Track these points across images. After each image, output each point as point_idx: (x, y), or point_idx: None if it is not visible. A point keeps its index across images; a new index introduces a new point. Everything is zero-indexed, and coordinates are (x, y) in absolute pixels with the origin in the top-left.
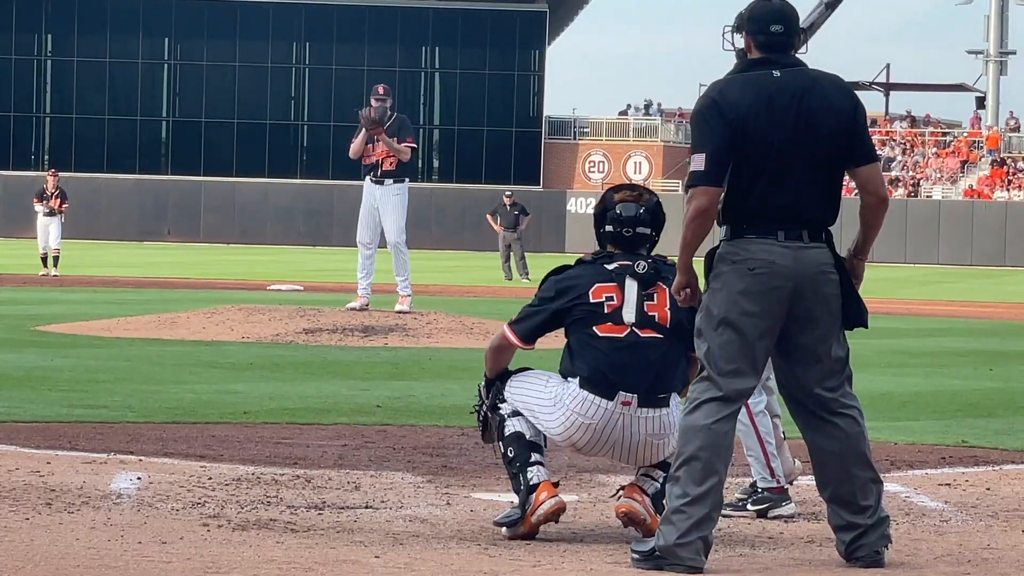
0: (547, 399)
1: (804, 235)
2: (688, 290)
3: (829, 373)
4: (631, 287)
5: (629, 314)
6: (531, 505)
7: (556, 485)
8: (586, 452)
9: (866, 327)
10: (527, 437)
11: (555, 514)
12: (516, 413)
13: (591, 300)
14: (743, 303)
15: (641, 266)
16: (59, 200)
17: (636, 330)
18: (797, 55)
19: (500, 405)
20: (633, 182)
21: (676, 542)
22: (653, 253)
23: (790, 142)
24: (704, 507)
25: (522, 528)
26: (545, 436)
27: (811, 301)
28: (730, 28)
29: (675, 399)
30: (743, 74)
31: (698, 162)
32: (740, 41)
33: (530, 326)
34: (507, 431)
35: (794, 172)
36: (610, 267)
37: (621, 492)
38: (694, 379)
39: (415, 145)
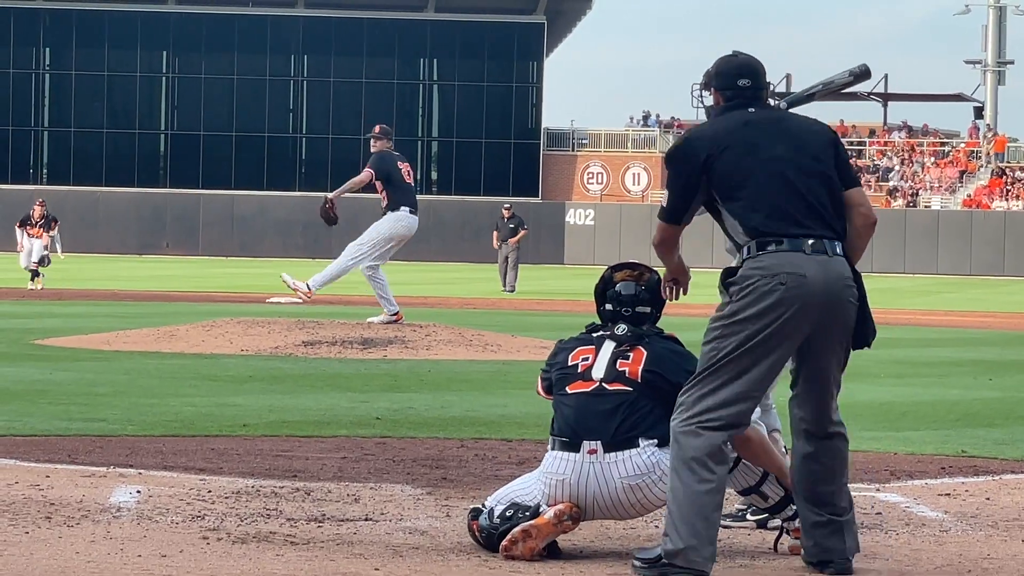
0: (529, 480)
1: (827, 246)
2: (674, 283)
3: (831, 397)
4: (607, 347)
5: (599, 371)
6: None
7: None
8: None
9: (869, 347)
10: (515, 501)
11: (571, 512)
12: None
13: (569, 363)
14: (772, 318)
15: (621, 328)
16: (42, 230)
17: (604, 384)
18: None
19: (479, 510)
20: (634, 261)
21: (684, 547)
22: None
23: (778, 158)
24: (706, 510)
25: (534, 521)
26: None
27: (836, 314)
28: (699, 85)
29: (645, 441)
30: (717, 117)
31: (664, 199)
32: (709, 98)
33: (545, 385)
34: (497, 512)
35: (795, 183)
36: (595, 335)
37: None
38: (689, 390)
39: (369, 170)
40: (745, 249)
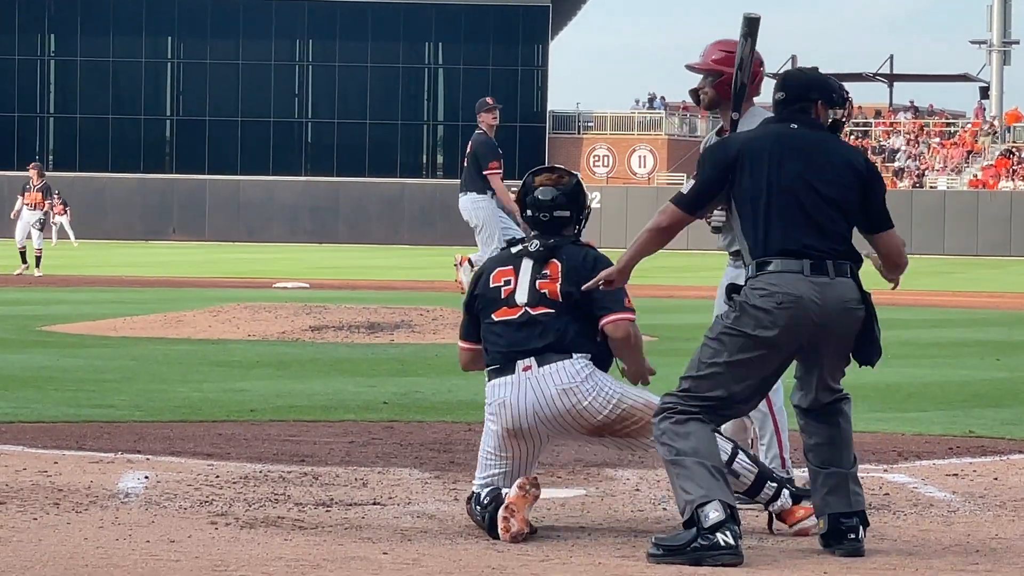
0: (484, 431)
1: (829, 268)
2: (611, 281)
3: (828, 385)
4: (526, 267)
5: (522, 295)
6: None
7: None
8: (527, 434)
9: (872, 367)
10: (492, 472)
11: (530, 480)
12: (483, 486)
13: (490, 285)
14: (765, 335)
15: (535, 245)
16: (41, 195)
17: (529, 310)
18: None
19: (479, 495)
20: (555, 165)
21: (704, 492)
22: (581, 236)
23: (797, 177)
24: (715, 470)
25: (507, 500)
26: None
27: (832, 335)
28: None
29: (578, 354)
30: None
31: (687, 186)
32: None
33: (464, 327)
34: (482, 495)
35: (805, 205)
36: (513, 250)
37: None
38: (679, 392)
39: (497, 171)
40: (748, 269)
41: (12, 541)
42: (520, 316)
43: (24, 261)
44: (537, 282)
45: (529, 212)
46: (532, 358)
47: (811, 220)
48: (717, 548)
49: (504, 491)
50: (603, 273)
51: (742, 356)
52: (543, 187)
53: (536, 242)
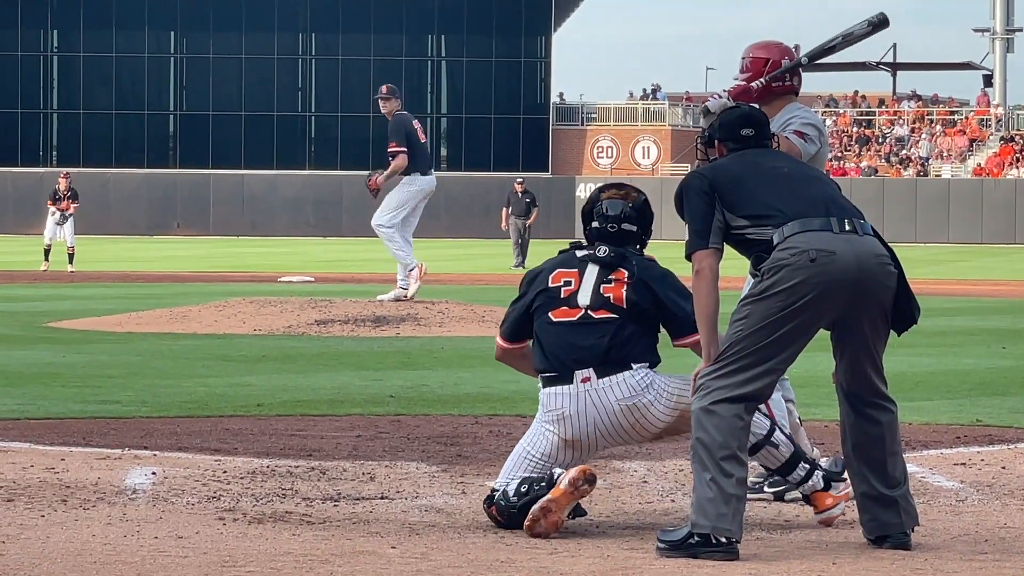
0: (530, 432)
1: (856, 224)
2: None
3: (872, 370)
4: (591, 271)
5: (584, 297)
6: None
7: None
8: (584, 445)
9: (916, 323)
10: (529, 475)
11: (585, 476)
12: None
13: (550, 285)
14: (801, 295)
15: (603, 251)
16: (70, 201)
17: (590, 312)
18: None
19: (493, 494)
20: (622, 181)
21: (713, 525)
22: (645, 252)
23: (780, 168)
24: (734, 497)
25: (551, 494)
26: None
27: (869, 291)
28: (702, 140)
29: (637, 365)
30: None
31: (686, 233)
32: (714, 153)
33: (509, 325)
34: (511, 490)
35: (804, 184)
36: (578, 254)
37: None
38: (710, 370)
39: (400, 149)
40: (774, 237)
41: (20, 538)
42: (580, 318)
43: (47, 259)
44: (602, 286)
45: (596, 224)
46: (591, 369)
47: (820, 193)
48: (709, 545)
49: (552, 474)
50: (698, 371)
51: (775, 324)
52: (611, 200)
53: (605, 248)
